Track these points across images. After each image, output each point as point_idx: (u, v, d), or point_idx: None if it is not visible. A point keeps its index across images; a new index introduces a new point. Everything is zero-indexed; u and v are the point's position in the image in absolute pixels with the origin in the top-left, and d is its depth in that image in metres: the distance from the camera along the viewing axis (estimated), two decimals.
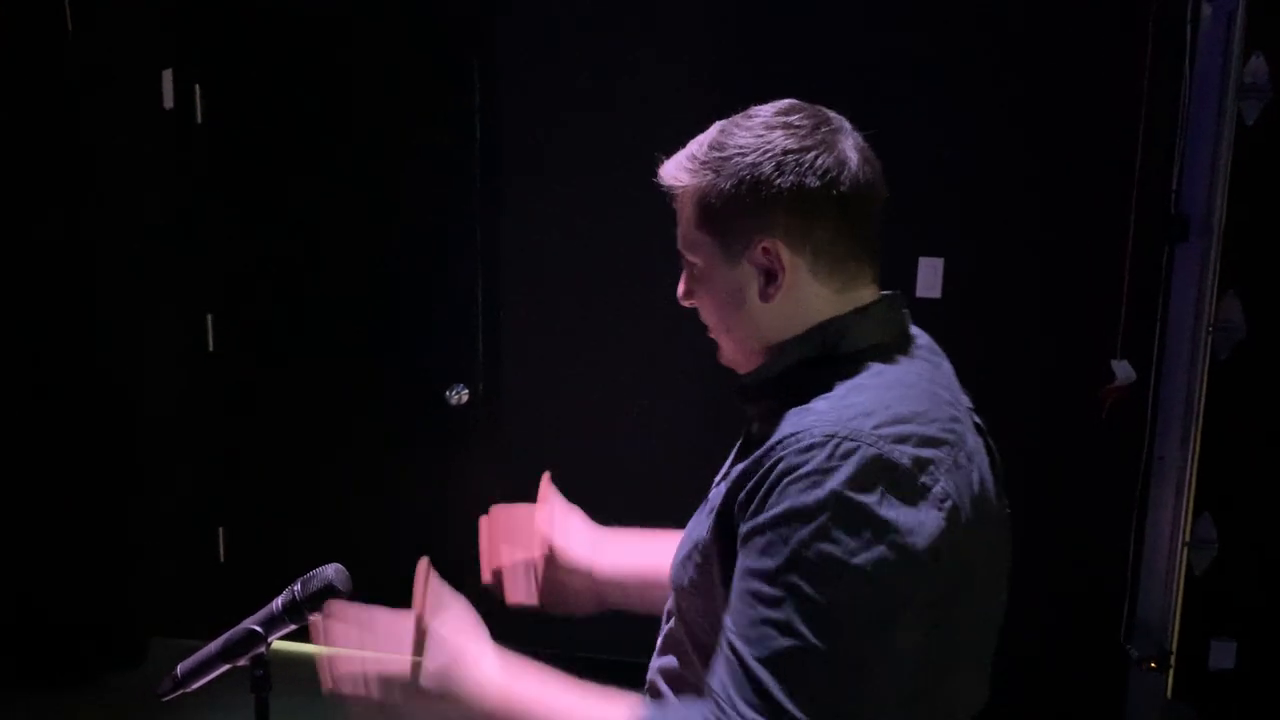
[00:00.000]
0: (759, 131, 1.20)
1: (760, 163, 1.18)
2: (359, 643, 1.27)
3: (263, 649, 1.49)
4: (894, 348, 1.23)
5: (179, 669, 1.56)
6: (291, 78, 3.78)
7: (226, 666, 1.52)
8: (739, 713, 1.06)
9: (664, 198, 3.26)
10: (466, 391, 3.79)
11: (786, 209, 1.18)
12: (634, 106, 3.56)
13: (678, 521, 2.73)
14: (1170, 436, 3.33)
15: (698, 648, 1.27)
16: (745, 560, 1.10)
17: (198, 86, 3.83)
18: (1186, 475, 3.27)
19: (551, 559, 1.64)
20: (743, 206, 1.19)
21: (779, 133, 1.19)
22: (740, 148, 1.20)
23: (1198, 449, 3.24)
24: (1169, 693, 3.35)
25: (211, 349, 3.98)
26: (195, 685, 1.55)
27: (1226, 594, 3.28)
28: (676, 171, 1.27)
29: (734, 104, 1.29)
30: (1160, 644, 3.34)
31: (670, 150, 1.32)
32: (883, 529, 1.06)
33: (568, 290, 3.73)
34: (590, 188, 3.65)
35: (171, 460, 4.06)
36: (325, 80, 3.76)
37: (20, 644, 3.86)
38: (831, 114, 1.25)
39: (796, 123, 1.20)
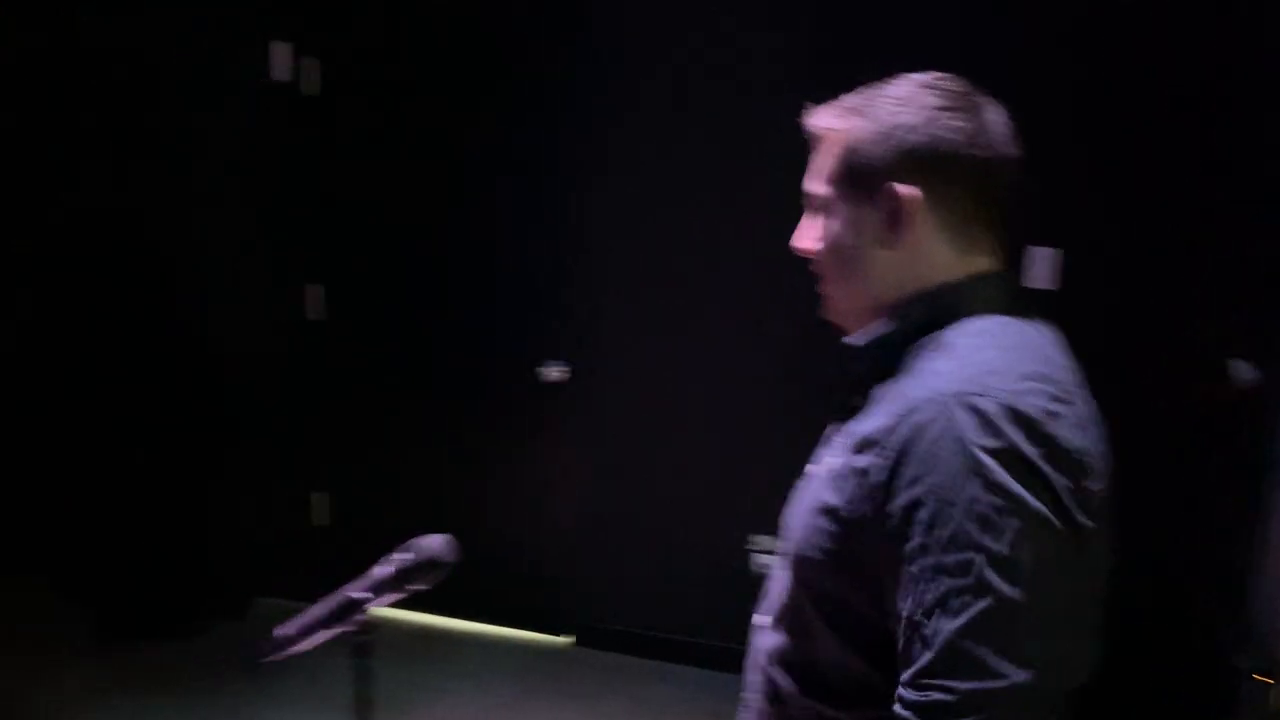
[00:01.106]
0: (911, 87, 1.26)
1: (905, 112, 1.23)
2: None
3: (365, 616, 1.49)
4: (1009, 315, 1.25)
5: (280, 632, 1.56)
6: (403, 55, 3.83)
7: (328, 632, 1.52)
8: (951, 690, 1.05)
9: (758, 177, 3.17)
10: (563, 367, 3.79)
11: (922, 160, 1.22)
12: (728, 93, 3.53)
13: (770, 495, 2.63)
14: None
15: (830, 621, 1.24)
16: (916, 539, 1.10)
17: (311, 59, 3.88)
18: None
19: None
20: (881, 151, 1.24)
21: (929, 91, 1.25)
22: (890, 97, 1.25)
23: None
24: (1277, 705, 3.22)
25: (315, 318, 4.04)
26: (296, 649, 1.56)
27: None
28: (825, 116, 1.31)
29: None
30: (1271, 655, 3.21)
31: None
32: (1034, 474, 1.08)
33: (662, 269, 3.71)
34: (685, 171, 3.62)
35: (277, 426, 4.14)
36: (435, 60, 3.79)
37: (134, 597, 3.98)
38: (983, 93, 1.28)
39: (948, 86, 1.25)
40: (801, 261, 1.37)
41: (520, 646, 3.99)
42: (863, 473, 1.16)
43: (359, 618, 1.49)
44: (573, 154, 3.71)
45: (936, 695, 1.05)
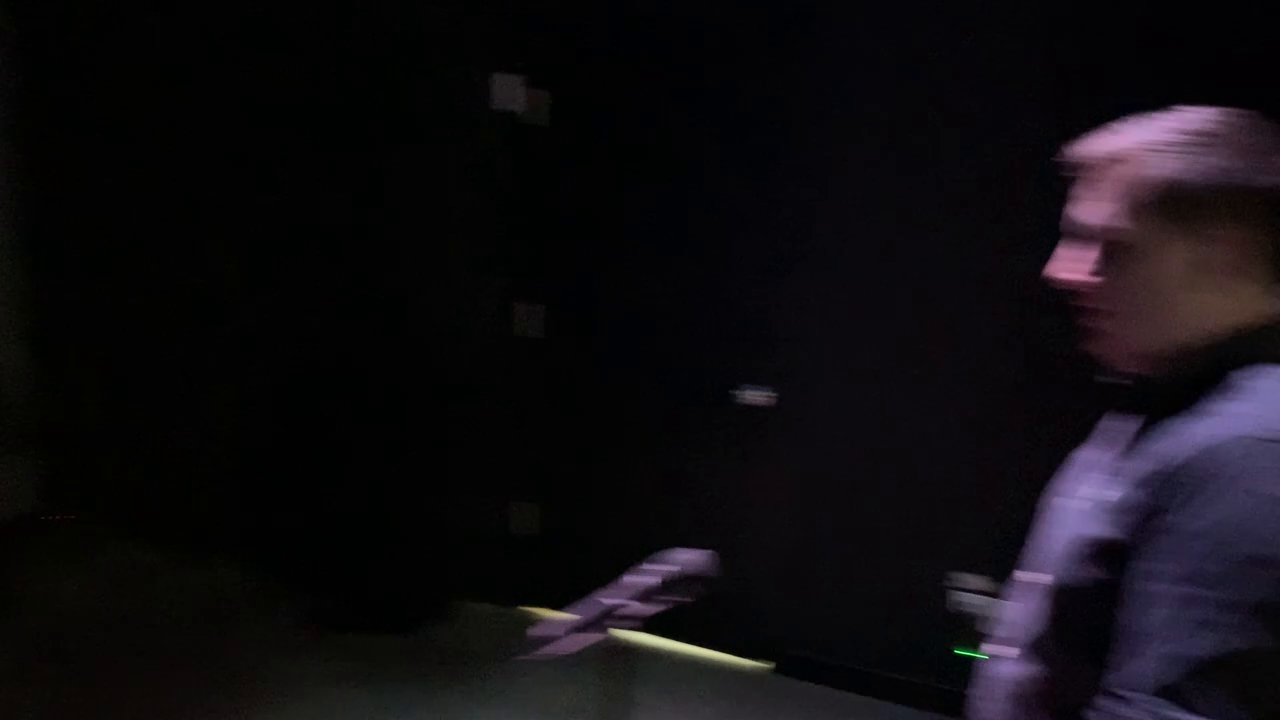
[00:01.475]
0: (1226, 125, 1.23)
1: (1222, 152, 1.21)
2: None
3: (619, 626, 1.54)
4: None
5: (535, 633, 1.64)
6: (628, 86, 3.97)
7: (584, 637, 1.59)
8: (1166, 715, 1.07)
9: (980, 199, 3.04)
10: (768, 392, 3.82)
11: (1237, 202, 1.20)
12: (952, 112, 3.45)
13: (976, 529, 2.46)
14: None
15: (1092, 652, 1.24)
16: (1172, 564, 1.12)
17: (541, 91, 4.06)
18: None
19: None
20: (1195, 192, 1.21)
21: (1244, 132, 1.22)
22: (1203, 134, 1.23)
23: None
24: None
25: (535, 336, 4.22)
26: (552, 650, 1.63)
27: None
28: (1115, 146, 1.28)
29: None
30: None
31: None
32: None
33: (873, 295, 3.70)
34: (900, 192, 3.59)
35: (487, 438, 4.30)
36: (654, 87, 3.93)
37: (346, 593, 4.22)
38: None
39: (1260, 126, 1.23)
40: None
41: (718, 669, 4.02)
42: (1149, 507, 1.16)
43: (614, 627, 1.55)
44: (787, 177, 3.74)
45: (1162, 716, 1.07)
